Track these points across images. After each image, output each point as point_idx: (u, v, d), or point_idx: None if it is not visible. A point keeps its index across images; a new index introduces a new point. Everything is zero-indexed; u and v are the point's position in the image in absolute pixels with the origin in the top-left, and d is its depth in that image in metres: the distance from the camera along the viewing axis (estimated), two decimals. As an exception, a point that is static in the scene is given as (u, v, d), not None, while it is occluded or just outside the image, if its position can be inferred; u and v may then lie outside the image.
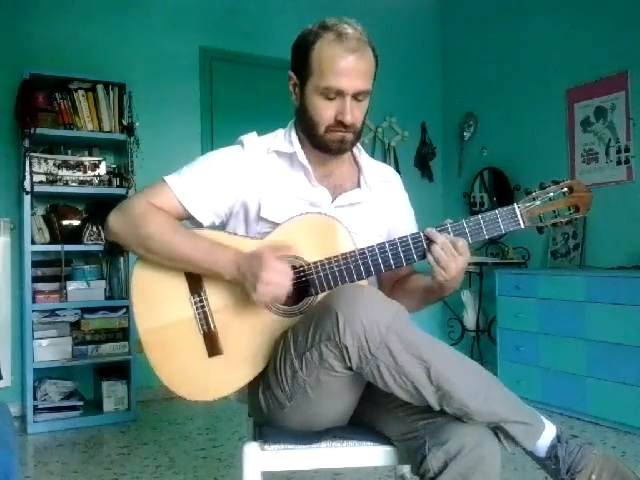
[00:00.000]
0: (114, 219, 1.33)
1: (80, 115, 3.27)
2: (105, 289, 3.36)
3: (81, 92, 3.27)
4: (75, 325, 3.27)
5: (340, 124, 1.33)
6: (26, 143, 3.10)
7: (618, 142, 3.55)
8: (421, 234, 1.29)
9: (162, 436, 3.01)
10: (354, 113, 1.32)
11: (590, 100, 3.69)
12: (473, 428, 1.15)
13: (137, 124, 3.33)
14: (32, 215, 3.13)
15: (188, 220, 1.38)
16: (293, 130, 1.44)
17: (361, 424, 1.36)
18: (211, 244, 1.29)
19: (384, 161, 4.49)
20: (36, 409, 3.12)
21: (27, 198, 3.09)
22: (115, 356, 3.30)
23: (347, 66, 1.29)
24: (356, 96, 1.32)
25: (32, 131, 3.09)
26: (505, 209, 1.30)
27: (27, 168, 3.09)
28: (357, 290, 1.18)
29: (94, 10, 3.66)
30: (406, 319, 1.16)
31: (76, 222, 3.28)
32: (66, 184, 3.22)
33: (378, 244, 1.29)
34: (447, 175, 4.83)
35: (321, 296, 1.29)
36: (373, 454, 1.32)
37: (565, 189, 1.30)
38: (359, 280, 1.29)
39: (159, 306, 1.33)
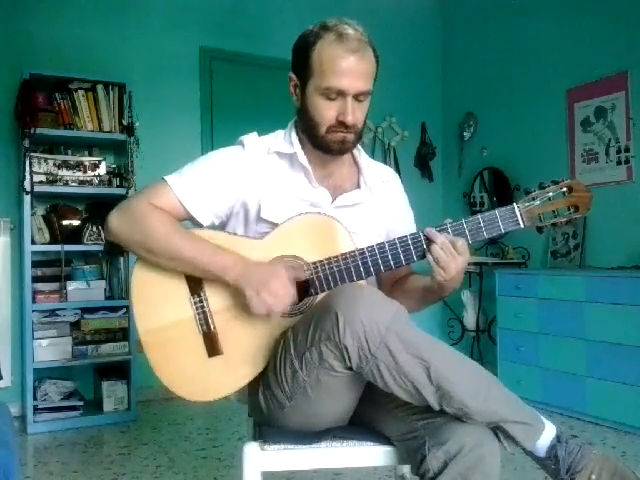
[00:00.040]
0: (114, 219, 1.32)
1: (80, 115, 3.27)
2: (105, 289, 3.36)
3: (81, 92, 3.27)
4: (75, 325, 3.27)
5: (341, 124, 1.33)
6: (26, 143, 3.10)
7: (618, 142, 3.55)
8: (421, 234, 1.29)
9: (162, 436, 3.01)
10: (355, 113, 1.33)
11: (590, 100, 3.69)
12: (473, 428, 1.15)
13: (137, 124, 3.33)
14: (32, 215, 3.13)
15: (188, 220, 1.38)
16: (293, 131, 1.44)
17: (361, 424, 1.36)
18: (215, 247, 1.29)
19: (384, 161, 4.49)
20: (36, 409, 3.12)
21: (27, 198, 3.09)
22: (115, 356, 3.30)
23: (348, 66, 1.29)
24: (357, 96, 1.32)
25: (32, 131, 3.09)
26: (504, 209, 1.30)
27: (27, 168, 3.09)
28: (357, 290, 1.18)
29: (94, 10, 3.66)
30: (406, 319, 1.16)
31: (76, 222, 3.28)
32: (66, 184, 3.22)
33: (378, 244, 1.29)
34: (447, 175, 4.83)
35: (321, 296, 1.29)
36: (373, 454, 1.32)
37: (565, 189, 1.30)
38: (359, 280, 1.29)
39: (159, 306, 1.33)
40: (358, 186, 1.47)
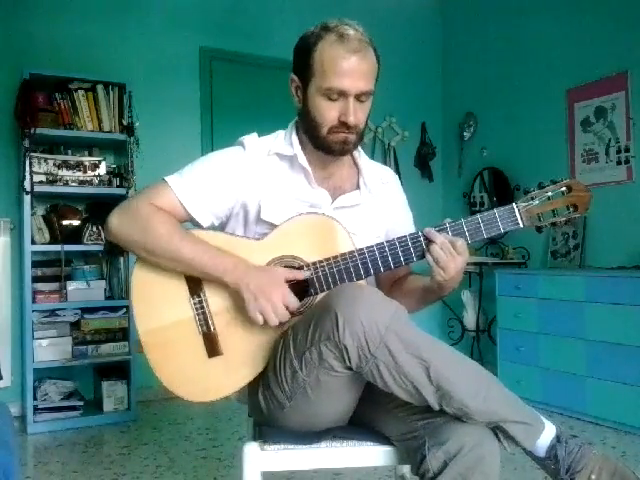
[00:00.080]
0: (115, 220, 1.32)
1: (80, 115, 3.27)
2: (105, 289, 3.36)
3: (81, 92, 3.27)
4: (75, 325, 3.27)
5: (343, 125, 1.33)
6: (26, 143, 3.10)
7: (618, 142, 3.55)
8: (420, 234, 1.29)
9: (162, 436, 3.01)
10: (357, 114, 1.33)
11: (590, 100, 3.69)
12: (473, 428, 1.15)
13: (137, 124, 3.33)
14: (32, 215, 3.13)
15: (189, 221, 1.38)
16: (294, 132, 1.44)
17: (361, 424, 1.36)
18: (215, 249, 1.29)
19: (384, 161, 4.50)
20: (36, 409, 3.12)
21: (27, 198, 3.09)
22: (115, 356, 3.30)
23: (349, 67, 1.29)
24: (359, 97, 1.32)
25: (32, 131, 3.09)
26: (504, 208, 1.30)
27: (27, 168, 3.09)
28: (357, 290, 1.18)
29: (94, 10, 3.66)
30: (405, 319, 1.16)
31: (76, 222, 3.28)
32: (66, 184, 3.22)
33: (377, 244, 1.29)
34: (447, 175, 4.83)
35: (320, 296, 1.29)
36: (373, 454, 1.32)
37: (564, 188, 1.30)
38: (358, 280, 1.29)
39: (159, 307, 1.33)
40: (358, 187, 1.47)
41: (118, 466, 2.59)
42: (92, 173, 3.29)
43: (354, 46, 1.29)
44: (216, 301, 1.31)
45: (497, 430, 1.17)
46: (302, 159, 1.40)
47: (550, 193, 1.30)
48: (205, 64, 4.00)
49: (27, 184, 3.08)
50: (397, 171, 4.39)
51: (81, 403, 3.24)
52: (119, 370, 3.37)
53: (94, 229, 3.24)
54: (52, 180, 3.18)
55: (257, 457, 1.28)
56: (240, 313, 1.30)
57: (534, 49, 4.06)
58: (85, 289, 3.27)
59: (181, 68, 3.91)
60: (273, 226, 1.35)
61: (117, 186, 3.34)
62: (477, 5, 4.56)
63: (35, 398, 3.13)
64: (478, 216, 1.30)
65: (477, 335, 4.17)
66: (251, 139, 1.41)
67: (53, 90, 3.27)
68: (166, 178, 1.35)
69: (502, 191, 4.23)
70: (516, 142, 4.19)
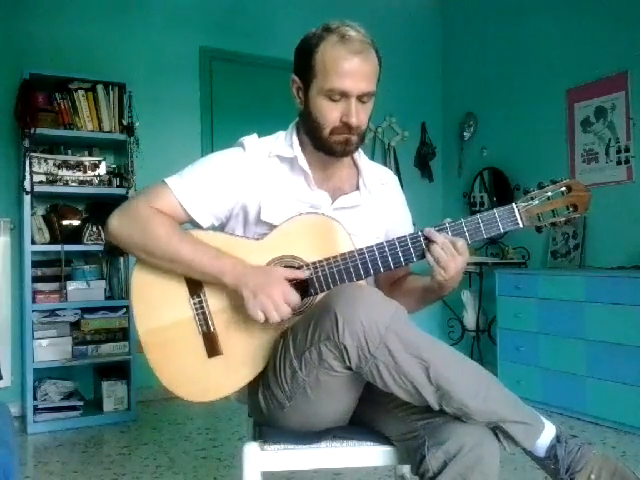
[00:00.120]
0: (114, 221, 1.32)
1: (80, 115, 3.27)
2: (105, 289, 3.36)
3: (81, 92, 3.27)
4: (75, 325, 3.27)
5: (345, 126, 1.33)
6: (26, 143, 3.10)
7: (618, 142, 3.55)
8: (420, 234, 1.29)
9: (162, 436, 3.01)
10: (359, 115, 1.33)
11: (590, 100, 3.69)
12: (472, 428, 1.15)
13: (137, 124, 3.33)
14: (32, 215, 3.13)
15: (189, 223, 1.38)
16: (294, 133, 1.44)
17: (361, 424, 1.36)
18: (214, 250, 1.29)
19: (384, 161, 4.50)
20: (36, 409, 3.12)
21: (27, 198, 3.09)
22: (115, 356, 3.30)
23: (351, 67, 1.29)
24: (361, 98, 1.32)
25: (32, 131, 3.09)
26: (503, 208, 1.30)
27: (27, 168, 3.09)
28: (356, 290, 1.18)
29: (94, 10, 3.66)
30: (405, 319, 1.16)
31: (76, 222, 3.28)
32: (66, 184, 3.22)
33: (377, 244, 1.29)
34: (447, 175, 4.83)
35: (320, 296, 1.29)
36: (373, 454, 1.32)
37: (563, 188, 1.30)
38: (358, 280, 1.29)
39: (158, 307, 1.33)
40: (357, 188, 1.47)
41: (118, 466, 2.59)
42: (92, 173, 3.29)
43: (356, 47, 1.29)
44: (216, 301, 1.31)
45: (497, 430, 1.17)
46: (302, 161, 1.40)
47: (550, 193, 1.30)
48: (205, 64, 4.00)
49: (27, 184, 3.08)
50: (397, 171, 4.41)
51: (81, 403, 3.24)
52: (119, 370, 3.37)
53: (94, 229, 3.24)
54: (52, 180, 3.18)
55: (257, 457, 1.28)
56: (240, 313, 1.30)
57: (534, 49, 4.06)
58: (85, 289, 3.27)
59: (181, 68, 3.91)
60: (273, 227, 1.35)
61: (117, 186, 3.33)
62: (477, 5, 4.57)
63: (35, 398, 3.13)
64: (478, 216, 1.30)
65: (477, 335, 4.17)
66: (251, 140, 1.41)
67: (53, 90, 3.27)
68: (166, 180, 1.35)
69: (502, 191, 4.23)
70: (516, 142, 4.19)
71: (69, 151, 3.36)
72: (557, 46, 3.90)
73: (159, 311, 1.32)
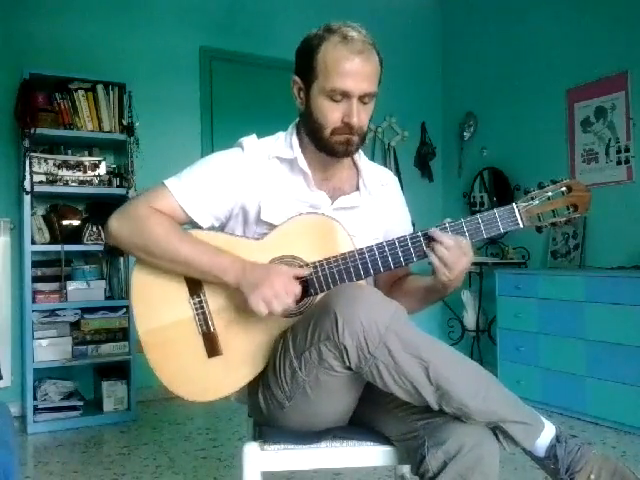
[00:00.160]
0: (114, 223, 1.32)
1: (80, 115, 3.27)
2: (105, 289, 3.36)
3: (81, 92, 3.27)
4: (75, 325, 3.27)
5: (346, 126, 1.33)
6: (26, 143, 3.10)
7: (618, 142, 3.55)
8: (420, 235, 1.29)
9: (162, 436, 3.01)
10: (360, 115, 1.33)
11: (590, 100, 3.69)
12: (472, 428, 1.15)
13: (137, 124, 3.33)
14: (32, 215, 3.13)
15: (189, 224, 1.38)
16: (294, 134, 1.44)
17: (361, 424, 1.36)
18: (214, 249, 1.29)
19: (384, 161, 4.50)
20: (36, 409, 3.12)
21: (27, 198, 3.09)
22: (115, 356, 3.30)
23: (353, 68, 1.29)
24: (362, 98, 1.32)
25: (32, 131, 3.09)
26: (504, 209, 1.30)
27: (27, 168, 3.09)
28: (356, 290, 1.18)
29: (94, 10, 3.66)
30: (405, 319, 1.16)
31: (76, 222, 3.28)
32: (66, 184, 3.22)
33: (377, 244, 1.29)
34: (447, 175, 4.83)
35: (320, 296, 1.29)
36: (373, 454, 1.32)
37: (564, 188, 1.30)
38: (358, 280, 1.29)
39: (158, 307, 1.33)
40: (357, 189, 1.47)
41: (118, 466, 2.59)
42: (92, 173, 3.29)
43: (358, 47, 1.29)
44: (216, 301, 1.31)
45: (497, 430, 1.17)
46: (302, 162, 1.40)
47: (550, 193, 1.30)
48: (205, 64, 4.00)
49: (27, 184, 3.08)
50: (397, 171, 4.41)
51: (81, 403, 3.24)
52: (119, 370, 3.37)
53: (94, 229, 3.24)
54: (52, 180, 3.18)
55: (257, 457, 1.28)
56: (240, 313, 1.30)
57: (534, 49, 4.06)
58: (85, 289, 3.27)
59: (181, 68, 3.91)
60: (273, 227, 1.35)
61: (117, 186, 3.33)
62: (477, 5, 4.57)
63: (35, 398, 3.13)
64: (478, 216, 1.30)
65: (477, 335, 4.17)
66: (250, 141, 1.41)
67: (53, 90, 3.27)
68: (165, 181, 1.35)
69: (502, 191, 4.23)
70: (516, 142, 4.19)
71: (69, 151, 3.36)
72: (557, 46, 3.91)
73: (159, 311, 1.32)
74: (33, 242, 3.13)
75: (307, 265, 1.30)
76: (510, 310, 3.58)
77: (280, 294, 1.22)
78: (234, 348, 1.30)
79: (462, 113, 4.62)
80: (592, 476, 1.14)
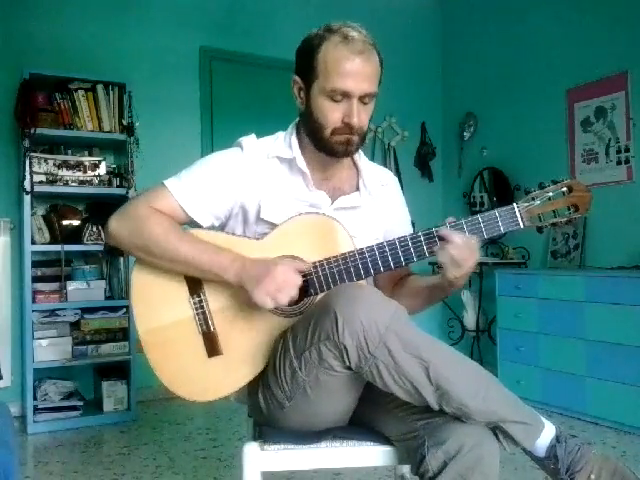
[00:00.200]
0: (114, 223, 1.32)
1: (80, 115, 3.27)
2: (105, 289, 3.36)
3: (81, 92, 3.27)
4: (75, 325, 3.27)
5: (347, 126, 1.33)
6: (26, 143, 3.10)
7: (618, 142, 3.55)
8: (420, 234, 1.29)
9: (162, 436, 3.01)
10: (361, 115, 1.33)
11: (590, 100, 3.69)
12: (472, 428, 1.15)
13: (137, 124, 3.33)
14: (32, 215, 3.13)
15: (188, 223, 1.38)
16: (294, 134, 1.43)
17: (361, 424, 1.36)
18: (214, 247, 1.29)
19: (384, 161, 4.50)
20: (36, 409, 3.12)
21: (27, 198, 3.09)
22: (115, 356, 3.30)
23: (353, 68, 1.29)
24: (362, 99, 1.32)
25: (32, 131, 3.09)
26: (504, 209, 1.30)
27: (27, 168, 3.09)
28: (356, 290, 1.18)
29: (94, 10, 3.66)
30: (405, 319, 1.16)
31: (76, 222, 3.29)
32: (66, 184, 3.22)
33: (377, 244, 1.29)
34: (447, 175, 4.83)
35: (320, 296, 1.29)
36: (373, 454, 1.32)
37: (564, 189, 1.30)
38: (358, 280, 1.29)
39: (158, 307, 1.33)
40: (357, 189, 1.47)
41: (118, 466, 2.59)
42: (92, 173, 3.29)
43: (358, 48, 1.29)
44: (216, 300, 1.31)
45: (497, 430, 1.17)
46: (301, 162, 1.40)
47: (551, 193, 1.30)
48: (205, 64, 4.00)
49: (27, 184, 3.08)
50: (397, 171, 4.41)
51: (81, 403, 3.24)
52: (119, 370, 3.37)
53: (94, 229, 3.24)
54: (52, 180, 3.18)
55: (257, 457, 1.28)
56: (240, 312, 1.30)
57: (534, 49, 4.06)
58: (85, 289, 3.27)
59: (181, 68, 3.91)
60: (273, 225, 1.35)
61: (117, 186, 3.33)
62: (477, 5, 4.56)
63: (35, 398, 3.13)
64: (479, 216, 1.30)
65: (477, 335, 4.17)
66: (249, 140, 1.41)
67: (53, 90, 3.27)
68: (165, 182, 1.36)
69: (502, 191, 4.23)
70: (516, 142, 4.19)
71: (69, 151, 3.36)
72: (557, 46, 3.91)
73: (159, 311, 1.32)
74: (33, 242, 3.13)
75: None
76: (510, 310, 3.58)
77: (283, 286, 1.22)
78: (234, 348, 1.30)
79: (462, 113, 4.62)
80: (592, 476, 1.14)
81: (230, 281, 1.27)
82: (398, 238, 1.29)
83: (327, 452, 1.30)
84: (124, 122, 3.32)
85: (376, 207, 1.47)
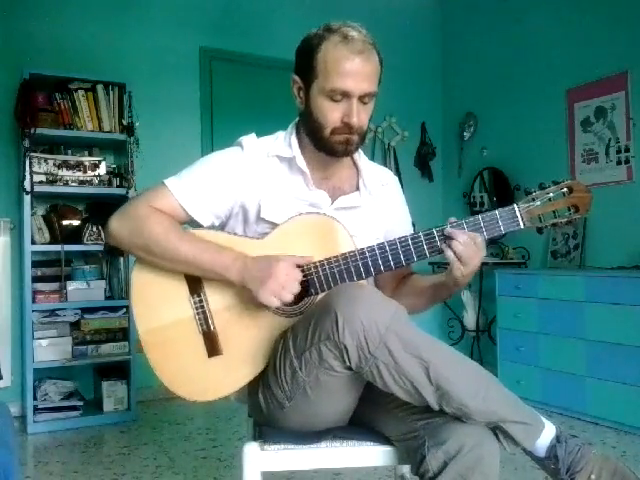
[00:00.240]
0: (115, 223, 1.33)
1: (80, 115, 3.27)
2: (105, 289, 3.36)
3: (81, 92, 3.27)
4: (75, 325, 3.27)
5: (346, 126, 1.33)
6: (26, 143, 3.10)
7: (618, 142, 3.55)
8: (421, 234, 1.29)
9: (162, 436, 3.01)
10: (360, 115, 1.32)
11: (590, 100, 3.69)
12: (472, 428, 1.15)
13: (137, 124, 3.33)
14: (32, 215, 3.13)
15: (188, 223, 1.38)
16: (293, 133, 1.43)
17: (361, 424, 1.36)
18: (215, 246, 1.29)
19: (384, 161, 4.50)
20: (36, 409, 3.12)
21: (27, 198, 3.09)
22: (115, 356, 3.30)
23: (353, 68, 1.29)
24: (362, 98, 1.32)
25: (32, 131, 3.09)
26: (505, 209, 1.30)
27: (27, 168, 3.09)
28: (356, 290, 1.18)
29: (94, 10, 3.66)
30: (405, 319, 1.16)
31: (76, 222, 3.29)
32: (66, 184, 3.22)
33: (378, 244, 1.29)
34: (447, 175, 4.83)
35: (321, 296, 1.29)
36: (373, 454, 1.32)
37: (565, 189, 1.30)
38: (359, 280, 1.29)
39: (158, 307, 1.33)
40: (357, 188, 1.47)
41: (118, 466, 2.59)
42: (92, 173, 3.29)
43: (358, 47, 1.29)
44: (216, 300, 1.31)
45: (497, 430, 1.17)
46: (300, 161, 1.40)
47: (551, 194, 1.29)
48: (205, 64, 4.00)
49: (27, 184, 3.08)
50: (397, 171, 4.40)
51: (81, 403, 3.24)
52: (119, 370, 3.37)
53: (94, 229, 3.24)
54: (52, 180, 3.18)
55: (257, 457, 1.28)
56: (241, 312, 1.30)
57: (534, 49, 4.06)
58: (85, 289, 3.27)
59: (181, 68, 3.91)
60: (273, 225, 1.35)
61: (117, 186, 3.34)
62: (477, 5, 4.56)
63: (35, 398, 3.13)
64: (479, 217, 1.30)
65: (477, 335, 4.17)
66: (249, 140, 1.41)
67: (53, 90, 3.27)
68: (165, 181, 1.36)
69: (502, 191, 4.23)
70: (516, 142, 4.19)
71: (69, 151, 3.36)
72: (557, 46, 3.91)
73: (159, 310, 1.32)
74: (33, 242, 3.13)
75: (308, 265, 1.30)
76: (510, 310, 3.58)
77: (286, 284, 1.23)
78: (234, 347, 1.30)
79: (462, 113, 4.62)
80: (592, 476, 1.14)
81: (232, 280, 1.27)
82: (399, 238, 1.29)
83: (327, 452, 1.30)
84: (124, 122, 3.32)
85: (376, 207, 1.47)
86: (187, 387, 1.32)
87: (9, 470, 1.17)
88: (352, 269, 1.28)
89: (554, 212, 1.30)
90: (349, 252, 1.29)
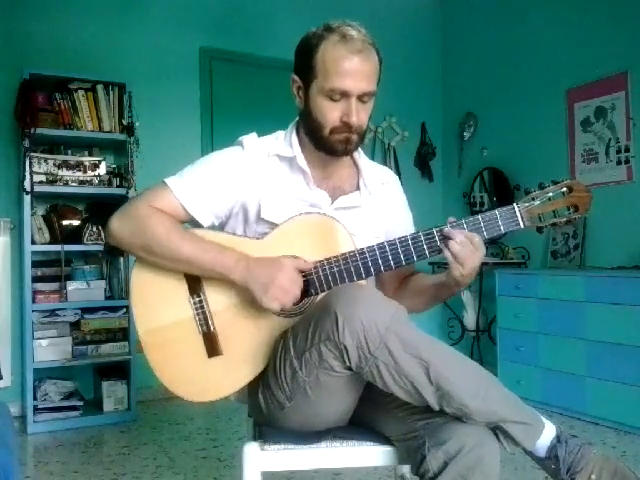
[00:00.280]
0: (115, 223, 1.32)
1: (80, 115, 3.27)
2: (105, 289, 3.36)
3: (81, 92, 3.27)
4: (75, 325, 3.27)
5: (346, 125, 1.33)
6: (26, 143, 3.10)
7: (618, 142, 3.55)
8: (421, 234, 1.29)
9: (162, 436, 3.01)
10: (359, 115, 1.32)
11: (590, 100, 3.69)
12: (472, 428, 1.15)
13: (137, 124, 3.33)
14: (32, 215, 3.13)
15: (189, 222, 1.38)
16: (294, 133, 1.43)
17: (361, 424, 1.36)
18: (216, 246, 1.29)
19: (384, 161, 4.50)
20: (36, 409, 3.12)
21: (27, 198, 3.09)
22: (115, 356, 3.30)
23: (352, 67, 1.29)
24: (361, 97, 1.32)
25: (32, 131, 3.09)
26: (505, 209, 1.30)
27: (27, 168, 3.09)
28: (356, 290, 1.18)
29: (94, 10, 3.66)
30: (405, 319, 1.16)
31: (76, 222, 3.29)
32: (66, 184, 3.22)
33: (378, 244, 1.29)
34: (447, 175, 4.83)
35: (321, 296, 1.29)
36: (373, 454, 1.32)
37: (564, 189, 1.30)
38: (359, 280, 1.29)
39: (158, 307, 1.33)
40: (357, 188, 1.47)
41: (118, 466, 2.59)
42: (92, 173, 3.29)
43: (357, 47, 1.29)
44: (216, 300, 1.31)
45: (497, 430, 1.17)
46: (301, 160, 1.40)
47: (551, 194, 1.30)
48: (205, 64, 4.00)
49: (27, 184, 3.08)
50: (397, 171, 4.40)
51: (81, 403, 3.24)
52: (119, 370, 3.37)
53: (94, 229, 3.24)
54: (52, 180, 3.18)
55: (257, 457, 1.28)
56: (241, 312, 1.30)
57: (534, 49, 4.06)
58: (85, 289, 3.27)
59: (181, 68, 3.91)
60: (273, 225, 1.35)
61: (117, 186, 3.33)
62: (477, 5, 4.56)
63: (35, 398, 3.13)
64: (479, 216, 1.30)
65: (477, 335, 4.17)
66: (250, 139, 1.41)
67: (53, 90, 3.27)
68: (166, 180, 1.35)
69: (502, 191, 4.23)
70: (516, 142, 4.19)
71: (69, 151, 3.36)
72: (557, 46, 3.91)
73: (159, 311, 1.32)
74: (33, 242, 3.13)
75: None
76: (510, 310, 3.58)
77: (288, 290, 1.23)
78: (234, 348, 1.30)
79: (462, 113, 4.62)
80: (593, 476, 1.14)
81: (235, 281, 1.27)
82: (399, 238, 1.29)
83: (327, 452, 1.30)
84: (124, 122, 3.32)
85: (376, 206, 1.47)
86: (187, 387, 1.32)
87: (9, 470, 1.17)
88: (352, 269, 1.28)
89: (554, 212, 1.30)
90: (349, 252, 1.29)
